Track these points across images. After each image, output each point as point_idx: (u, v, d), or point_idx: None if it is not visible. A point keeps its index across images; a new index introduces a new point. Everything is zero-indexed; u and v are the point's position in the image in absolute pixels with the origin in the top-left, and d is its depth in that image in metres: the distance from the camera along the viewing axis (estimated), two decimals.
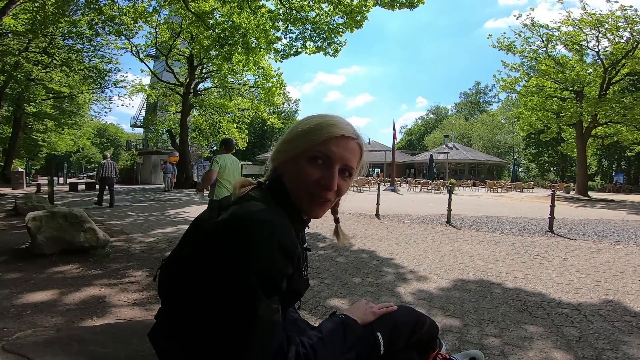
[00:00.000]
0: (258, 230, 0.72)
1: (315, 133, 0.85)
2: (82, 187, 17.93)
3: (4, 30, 16.28)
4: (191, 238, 0.86)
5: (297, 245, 0.79)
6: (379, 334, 0.95)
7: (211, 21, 12.92)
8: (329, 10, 11.42)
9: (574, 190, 24.29)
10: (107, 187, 10.09)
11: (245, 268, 0.69)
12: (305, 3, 11.39)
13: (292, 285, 0.82)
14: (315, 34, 12.01)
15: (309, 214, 0.89)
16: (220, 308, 0.71)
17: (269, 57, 16.61)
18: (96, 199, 10.22)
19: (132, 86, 23.25)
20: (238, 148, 25.74)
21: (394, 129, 23.30)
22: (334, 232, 1.04)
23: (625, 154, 31.29)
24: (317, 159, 0.84)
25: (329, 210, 0.95)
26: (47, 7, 13.55)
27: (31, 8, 14.30)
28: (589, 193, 22.10)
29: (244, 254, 0.70)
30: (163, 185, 18.86)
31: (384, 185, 20.72)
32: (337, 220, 1.03)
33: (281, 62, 13.58)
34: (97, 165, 57.41)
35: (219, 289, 0.71)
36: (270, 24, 12.03)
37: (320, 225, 6.42)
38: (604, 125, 21.05)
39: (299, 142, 0.86)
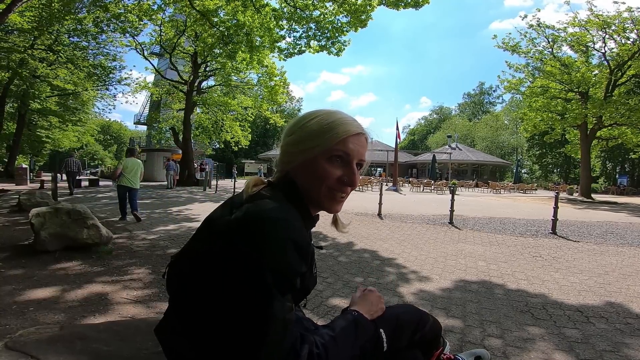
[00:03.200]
0: (273, 228, 0.72)
1: (331, 133, 0.85)
2: (85, 183, 18.01)
3: (10, 28, 16.35)
4: (203, 236, 0.85)
5: (310, 243, 0.80)
6: (382, 330, 0.96)
7: (215, 19, 12.93)
8: (333, 9, 11.40)
9: (577, 192, 24.18)
10: (71, 178, 13.00)
11: (260, 267, 0.69)
12: (310, 2, 11.37)
13: (303, 283, 0.83)
14: (319, 33, 11.99)
15: (329, 210, 0.90)
16: (234, 306, 0.71)
17: (273, 56, 16.62)
18: (68, 190, 12.80)
19: (136, 84, 23.34)
20: (241, 146, 25.86)
21: (397, 128, 23.32)
22: (332, 222, 1.05)
23: (630, 156, 31.09)
24: (336, 158, 0.86)
25: None
26: (53, 5, 13.61)
27: (37, 5, 14.37)
28: (592, 195, 22.02)
29: (259, 253, 0.70)
30: (166, 183, 18.92)
31: (386, 185, 20.70)
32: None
33: (285, 60, 13.60)
34: (99, 162, 57.89)
35: (234, 287, 0.71)
36: (275, 22, 12.02)
37: (322, 225, 6.41)
38: (609, 127, 20.95)
39: (314, 143, 0.85)
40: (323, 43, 12.11)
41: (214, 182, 19.55)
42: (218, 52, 16.21)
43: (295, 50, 12.62)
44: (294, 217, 0.78)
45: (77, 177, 14.03)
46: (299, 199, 0.87)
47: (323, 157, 0.85)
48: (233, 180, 19.55)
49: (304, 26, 11.99)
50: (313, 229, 0.99)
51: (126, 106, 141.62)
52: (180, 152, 22.38)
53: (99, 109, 28.83)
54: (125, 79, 23.24)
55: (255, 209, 0.76)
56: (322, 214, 0.96)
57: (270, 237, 0.71)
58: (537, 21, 20.25)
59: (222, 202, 0.93)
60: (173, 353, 0.86)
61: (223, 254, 0.74)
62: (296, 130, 0.90)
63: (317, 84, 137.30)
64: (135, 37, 18.22)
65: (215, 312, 0.75)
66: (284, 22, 12.11)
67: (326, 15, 11.60)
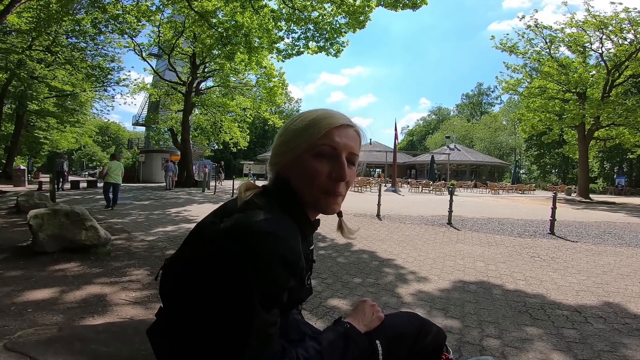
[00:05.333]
0: (261, 243, 0.70)
1: (314, 127, 0.82)
2: (83, 185, 17.97)
3: (8, 29, 16.32)
4: (193, 243, 0.84)
5: (301, 257, 0.76)
6: (378, 342, 0.91)
7: (214, 20, 12.94)
8: (332, 10, 11.43)
9: (575, 192, 24.25)
10: (60, 177, 15.47)
11: (245, 281, 0.68)
12: (308, 3, 11.40)
13: (292, 295, 0.81)
14: (317, 34, 12.02)
15: (325, 210, 0.86)
16: (217, 317, 0.70)
17: (271, 57, 16.63)
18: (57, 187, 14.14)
19: (134, 85, 23.27)
20: (240, 147, 25.96)
21: (396, 129, 23.33)
22: (338, 227, 1.01)
23: (627, 157, 31.20)
24: (322, 153, 0.82)
25: None
26: (51, 6, 13.60)
27: (35, 6, 14.33)
28: (591, 195, 22.07)
29: (245, 267, 0.68)
30: (164, 184, 18.91)
31: (385, 186, 20.72)
32: (340, 214, 0.99)
33: (283, 61, 13.61)
34: (97, 164, 58.04)
35: (218, 298, 0.70)
36: (273, 23, 12.04)
37: (320, 225, 6.42)
38: (606, 128, 21.02)
39: (299, 141, 0.83)
40: (321, 44, 12.15)
41: (212, 183, 19.55)
42: (217, 53, 16.22)
43: (294, 51, 12.64)
44: (286, 229, 0.75)
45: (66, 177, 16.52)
46: (295, 205, 0.84)
47: (309, 153, 0.82)
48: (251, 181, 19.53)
49: (303, 27, 12.02)
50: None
51: (124, 107, 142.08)
52: (179, 153, 22.36)
53: (97, 110, 28.84)
54: (124, 80, 23.20)
55: (245, 220, 0.73)
56: (325, 216, 0.92)
57: (258, 251, 0.69)
58: (535, 22, 20.30)
59: (216, 207, 0.90)
60: (162, 354, 0.85)
61: (208, 264, 0.72)
62: (283, 133, 0.88)
63: (316, 84, 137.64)
64: (133, 38, 18.19)
65: (199, 319, 0.74)
66: (283, 23, 12.15)
67: (325, 17, 11.63)
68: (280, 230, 0.73)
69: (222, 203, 0.91)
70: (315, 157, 0.82)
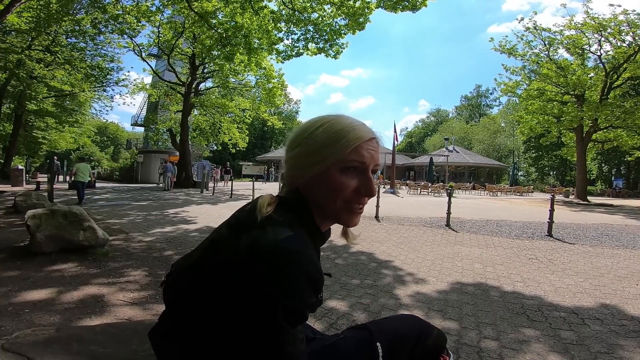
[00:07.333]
0: (287, 262, 0.68)
1: (342, 141, 0.79)
2: None
3: (8, 28, 16.30)
4: (209, 255, 0.82)
5: (322, 273, 0.76)
6: (378, 344, 0.91)
7: (214, 21, 12.94)
8: (332, 11, 11.46)
9: (573, 194, 24.25)
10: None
11: (273, 301, 0.67)
12: (308, 4, 11.42)
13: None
14: (317, 36, 12.04)
15: (347, 223, 0.86)
16: (242, 337, 0.69)
17: (271, 58, 16.65)
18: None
19: (133, 85, 23.22)
20: (238, 148, 25.97)
21: (395, 131, 23.32)
22: (342, 233, 1.00)
23: (625, 159, 31.21)
24: (350, 168, 0.80)
25: None
26: (51, 6, 13.60)
27: (35, 6, 14.34)
28: (588, 197, 22.07)
29: (272, 287, 0.67)
30: (162, 185, 18.88)
31: (384, 187, 20.73)
32: None
33: (282, 63, 13.60)
34: (95, 164, 58.18)
35: (242, 319, 0.69)
36: (273, 24, 12.06)
37: None
38: (604, 130, 21.04)
39: (326, 153, 0.79)
40: (321, 45, 12.17)
41: (211, 184, 19.51)
42: (216, 53, 16.22)
43: (293, 53, 12.66)
44: (308, 246, 0.75)
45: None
46: (310, 218, 0.83)
47: (336, 167, 0.79)
48: (264, 182, 19.46)
49: (302, 28, 12.04)
50: None
51: (123, 107, 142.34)
52: (178, 154, 22.35)
53: (96, 110, 28.71)
54: (123, 80, 23.16)
55: (268, 238, 0.71)
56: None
57: (285, 270, 0.68)
58: (534, 24, 20.33)
59: (228, 218, 0.88)
60: (165, 356, 0.84)
61: (230, 283, 0.71)
62: (302, 142, 0.83)
63: (316, 86, 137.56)
64: (133, 38, 18.19)
65: (216, 334, 0.74)
66: (282, 24, 12.17)
67: (324, 18, 11.65)
68: (303, 247, 0.73)
69: (225, 205, 0.90)
70: (342, 171, 0.80)
